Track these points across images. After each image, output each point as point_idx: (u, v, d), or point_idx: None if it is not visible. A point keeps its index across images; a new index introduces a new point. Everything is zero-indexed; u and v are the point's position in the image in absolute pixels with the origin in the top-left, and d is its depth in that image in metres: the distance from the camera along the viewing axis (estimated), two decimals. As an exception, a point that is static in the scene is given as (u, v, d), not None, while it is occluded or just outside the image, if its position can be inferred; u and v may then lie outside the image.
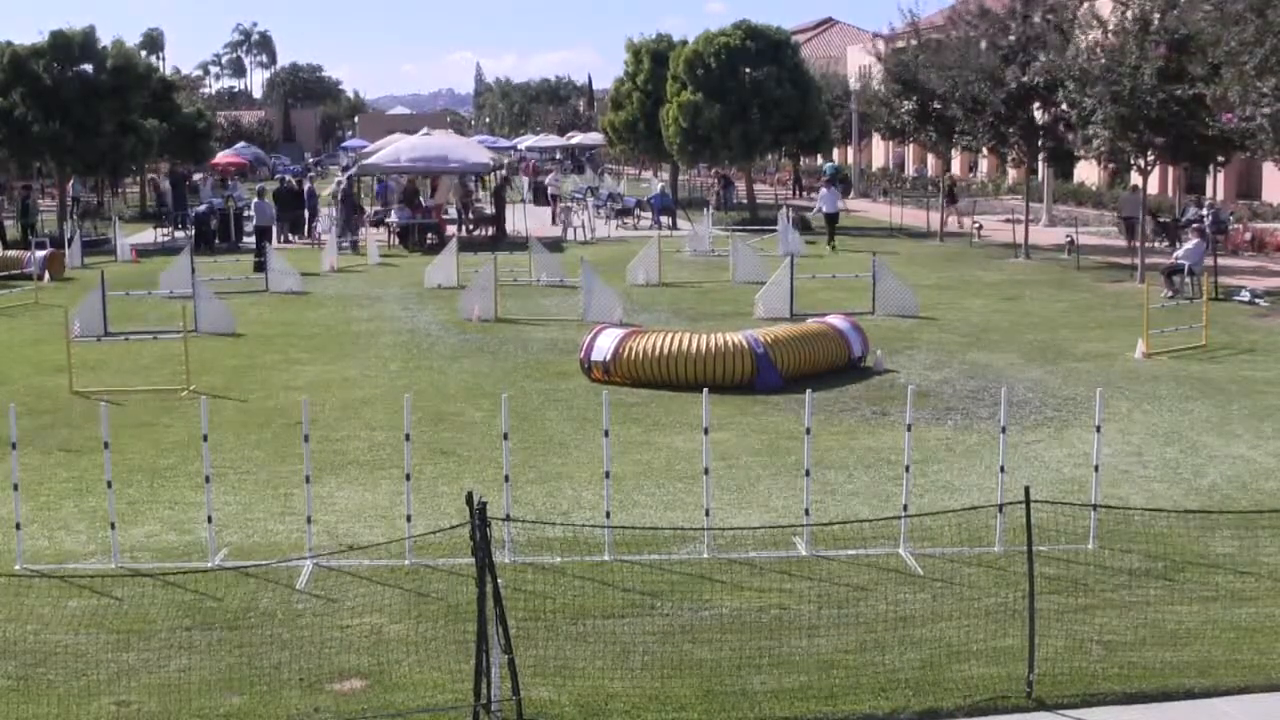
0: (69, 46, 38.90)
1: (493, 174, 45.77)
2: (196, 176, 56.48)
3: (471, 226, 40.09)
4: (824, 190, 38.43)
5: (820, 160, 67.14)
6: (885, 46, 38.49)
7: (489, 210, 42.05)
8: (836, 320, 18.33)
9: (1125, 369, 17.58)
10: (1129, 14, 25.29)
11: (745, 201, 48.51)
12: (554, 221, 41.29)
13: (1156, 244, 33.21)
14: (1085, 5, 28.73)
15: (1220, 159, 28.66)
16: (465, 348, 19.85)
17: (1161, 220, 33.95)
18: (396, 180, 41.57)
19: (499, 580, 7.33)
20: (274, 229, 36.98)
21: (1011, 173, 51.91)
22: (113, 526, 10.03)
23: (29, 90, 38.07)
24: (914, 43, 36.66)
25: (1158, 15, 24.84)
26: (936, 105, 35.10)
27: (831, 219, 36.17)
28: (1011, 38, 31.07)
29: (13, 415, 10.08)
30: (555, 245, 33.61)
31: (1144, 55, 24.56)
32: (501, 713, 7.38)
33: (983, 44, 32.41)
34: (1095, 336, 20.23)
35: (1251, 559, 9.92)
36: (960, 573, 9.73)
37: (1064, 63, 27.02)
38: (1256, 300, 23.54)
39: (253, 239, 34.99)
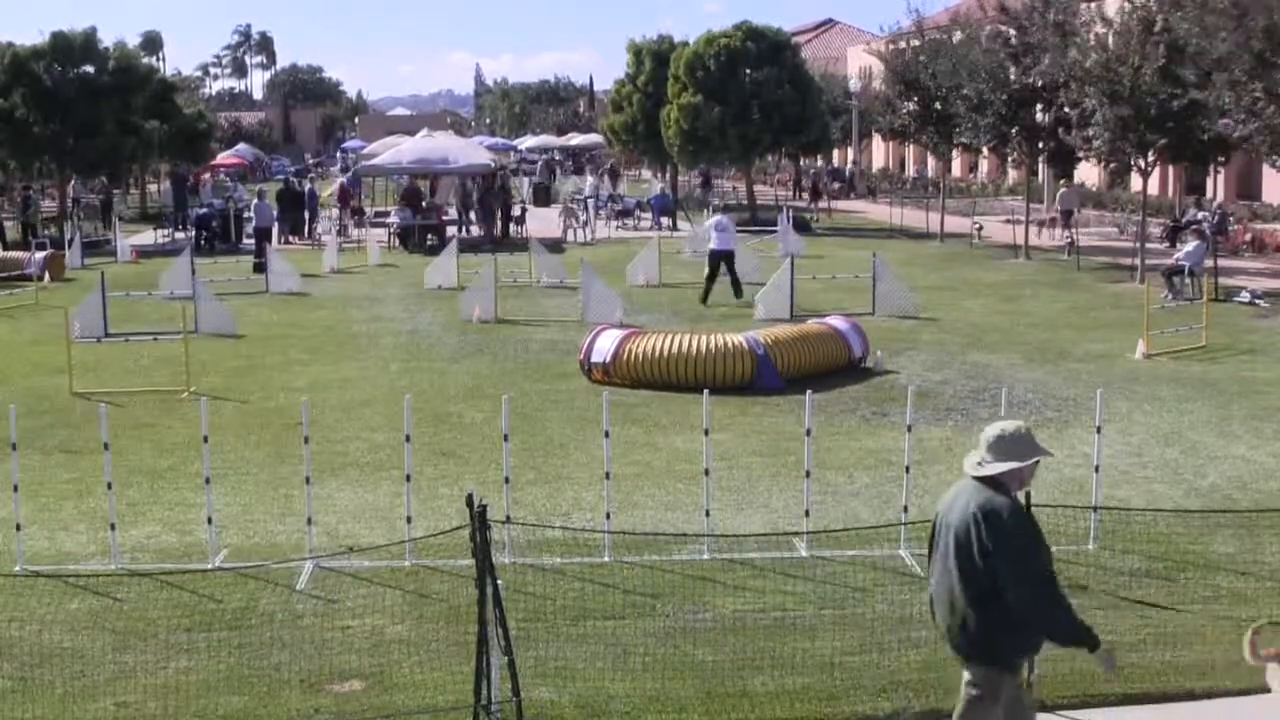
0: (70, 47, 38.95)
1: (494, 175, 45.66)
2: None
3: (471, 225, 39.96)
4: (716, 219, 25.80)
5: (820, 161, 67.01)
6: (888, 46, 38.39)
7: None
8: (837, 321, 18.34)
9: (1125, 370, 17.58)
10: (1133, 15, 25.32)
11: (745, 202, 48.49)
12: (591, 225, 40.37)
13: (1071, 238, 33.15)
14: (1089, 4, 28.76)
15: (1220, 159, 28.70)
16: (465, 349, 19.85)
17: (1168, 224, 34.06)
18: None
19: (499, 582, 7.32)
20: (274, 230, 36.97)
21: (1012, 173, 51.92)
22: (113, 527, 10.03)
23: (30, 91, 38.10)
24: (916, 43, 36.66)
25: (1161, 16, 24.85)
26: (938, 106, 35.11)
27: (720, 259, 23.76)
28: (1013, 34, 31.06)
29: (13, 416, 10.09)
30: (555, 246, 33.60)
31: (1145, 56, 24.56)
32: (501, 714, 7.37)
33: (983, 39, 32.39)
34: (1095, 337, 20.22)
35: (1252, 559, 9.92)
36: (960, 573, 9.70)
37: (1064, 63, 27.03)
38: (1256, 301, 23.54)
39: (253, 240, 34.97)
